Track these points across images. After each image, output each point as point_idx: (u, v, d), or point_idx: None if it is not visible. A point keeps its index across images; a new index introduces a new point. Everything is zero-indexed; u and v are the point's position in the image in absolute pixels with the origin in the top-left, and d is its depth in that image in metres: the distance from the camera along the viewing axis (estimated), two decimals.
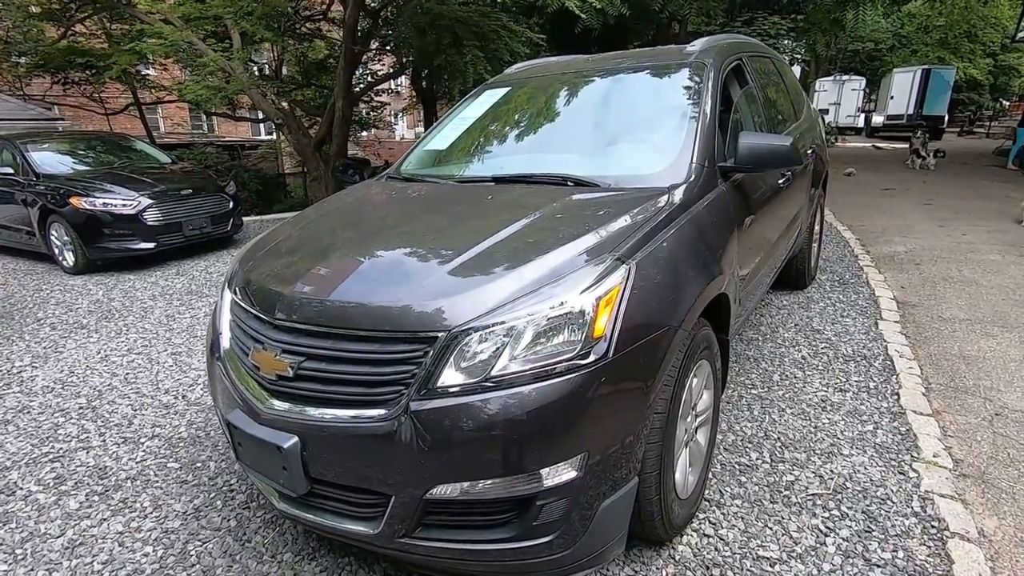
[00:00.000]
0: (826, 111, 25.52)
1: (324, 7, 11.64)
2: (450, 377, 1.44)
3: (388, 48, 11.08)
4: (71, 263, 5.89)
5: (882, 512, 2.06)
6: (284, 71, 13.04)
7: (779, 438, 2.52)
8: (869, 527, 1.99)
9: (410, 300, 1.53)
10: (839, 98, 25.89)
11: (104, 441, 2.75)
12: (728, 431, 2.58)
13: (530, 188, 2.18)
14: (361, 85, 12.38)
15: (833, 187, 9.49)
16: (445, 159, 2.82)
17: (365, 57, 12.29)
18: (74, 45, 11.96)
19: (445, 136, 2.98)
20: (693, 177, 2.09)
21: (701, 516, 2.07)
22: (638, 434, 1.58)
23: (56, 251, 6.01)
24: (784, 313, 3.95)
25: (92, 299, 5.01)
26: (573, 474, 1.45)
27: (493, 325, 1.46)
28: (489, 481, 1.43)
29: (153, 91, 14.96)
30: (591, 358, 1.45)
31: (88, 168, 6.64)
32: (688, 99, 2.42)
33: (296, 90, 12.54)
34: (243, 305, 1.83)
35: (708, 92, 2.41)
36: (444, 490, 1.45)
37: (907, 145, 13.27)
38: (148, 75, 14.90)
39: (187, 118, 22.80)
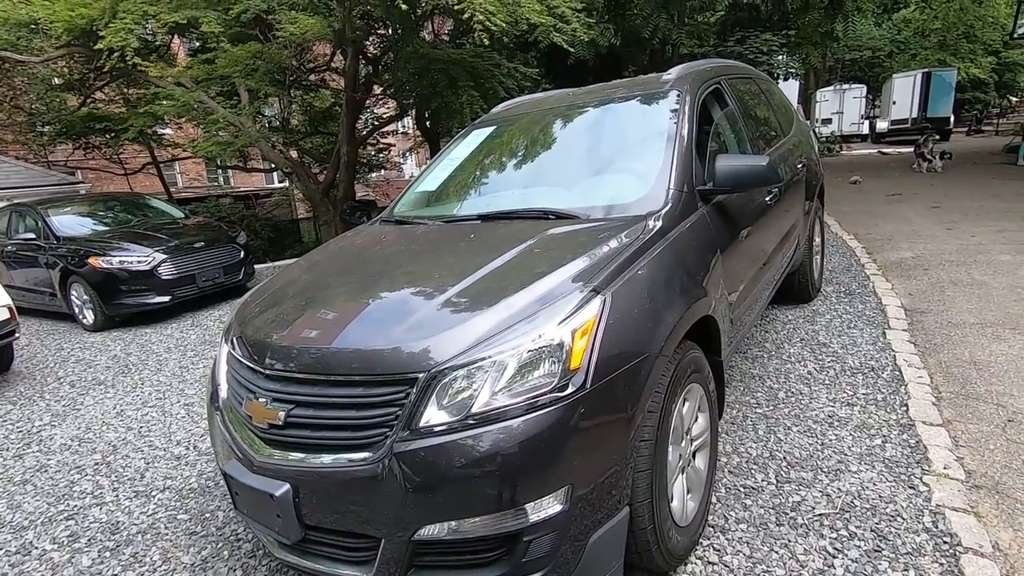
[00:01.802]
0: (829, 120, 25.57)
1: (327, 59, 12.11)
2: (432, 416, 1.47)
3: (389, 93, 11.44)
4: (91, 321, 6.08)
5: (892, 530, 2.01)
6: (293, 121, 13.52)
7: (785, 457, 2.48)
8: (879, 546, 1.94)
9: (390, 343, 1.58)
10: (841, 107, 25.96)
11: (117, 496, 2.80)
12: (732, 453, 2.55)
13: (512, 224, 2.24)
14: (366, 130, 12.77)
15: (838, 196, 9.46)
16: (435, 200, 2.90)
17: (369, 102, 12.71)
18: (93, 111, 12.57)
19: (436, 177, 3.07)
20: (671, 203, 2.13)
21: (705, 543, 2.03)
22: (624, 463, 1.58)
23: (76, 310, 6.21)
24: (789, 328, 3.91)
25: (110, 355, 5.15)
26: (559, 507, 1.46)
27: (471, 363, 1.49)
28: (475, 519, 1.44)
29: (169, 149, 15.58)
30: (569, 390, 1.48)
31: (105, 228, 6.91)
32: (664, 126, 2.46)
33: (304, 139, 12.96)
34: (237, 356, 1.89)
35: (684, 118, 2.47)
36: (431, 530, 1.46)
37: (913, 149, 13.18)
38: (164, 134, 15.54)
39: (203, 172, 23.57)
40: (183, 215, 7.84)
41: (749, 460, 2.49)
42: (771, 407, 2.91)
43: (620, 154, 2.58)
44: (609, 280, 1.67)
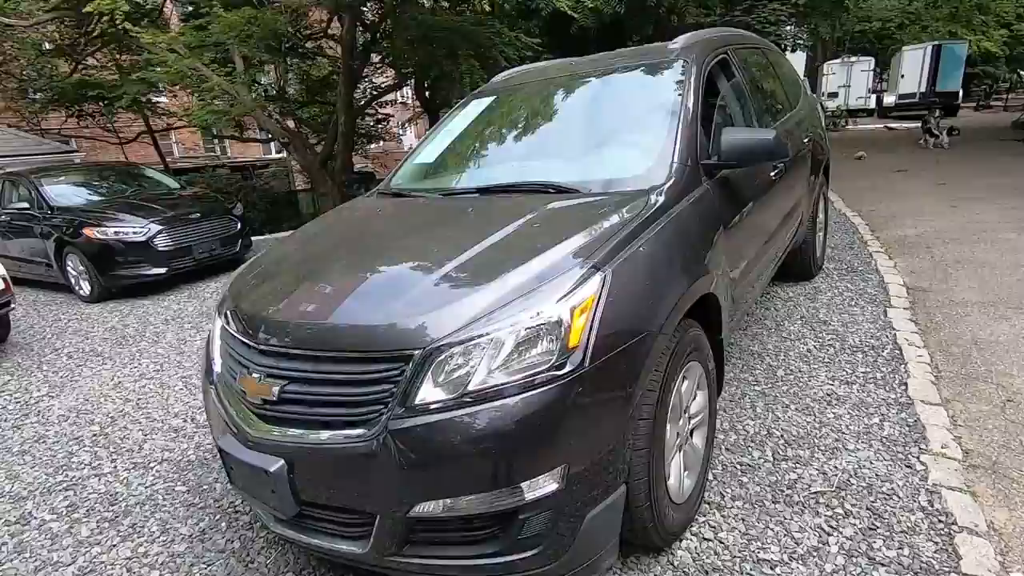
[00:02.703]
0: (835, 94, 25.11)
1: (324, 25, 11.80)
2: (428, 394, 1.45)
3: (387, 62, 11.19)
4: (87, 292, 6.05)
5: (887, 508, 2.01)
6: (289, 90, 13.25)
7: (782, 435, 2.48)
8: (874, 524, 1.95)
9: (386, 319, 1.54)
10: (848, 80, 25.44)
11: (116, 467, 2.81)
12: (730, 430, 2.55)
13: (511, 198, 2.19)
14: (364, 100, 12.53)
15: (843, 172, 9.34)
16: (432, 172, 2.84)
17: (367, 71, 12.44)
18: (86, 78, 12.32)
19: (434, 149, 3.00)
20: (674, 178, 2.07)
21: (701, 519, 2.04)
22: (622, 442, 1.56)
23: (73, 281, 6.17)
24: (790, 305, 3.89)
25: (107, 326, 5.14)
26: (555, 486, 1.45)
27: (468, 340, 1.46)
28: (471, 497, 1.43)
29: (164, 118, 15.33)
30: (567, 368, 1.45)
31: (100, 198, 6.82)
32: (669, 98, 2.39)
33: (301, 108, 12.73)
34: (231, 331, 1.86)
35: (689, 89, 2.39)
36: (427, 507, 1.45)
37: (920, 124, 12.98)
38: (159, 103, 15.27)
39: (200, 142, 23.27)
40: (179, 186, 7.75)
41: (746, 438, 2.48)
42: (769, 385, 2.90)
43: (623, 126, 2.51)
44: (610, 256, 1.63)
